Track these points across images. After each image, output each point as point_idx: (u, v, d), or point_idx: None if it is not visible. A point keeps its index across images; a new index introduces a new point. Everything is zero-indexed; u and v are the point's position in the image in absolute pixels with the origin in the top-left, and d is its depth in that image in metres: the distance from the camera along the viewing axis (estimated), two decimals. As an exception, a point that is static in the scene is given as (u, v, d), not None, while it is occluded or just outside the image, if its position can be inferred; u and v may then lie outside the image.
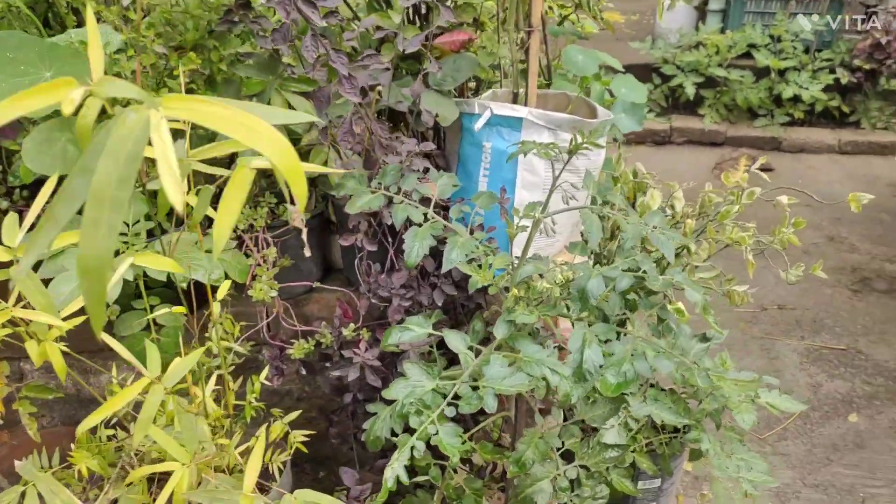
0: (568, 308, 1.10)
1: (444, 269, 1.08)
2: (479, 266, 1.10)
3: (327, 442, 1.53)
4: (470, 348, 1.08)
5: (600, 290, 1.02)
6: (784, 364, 2.53)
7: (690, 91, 4.55)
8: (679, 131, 4.64)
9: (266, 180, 1.46)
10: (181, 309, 0.98)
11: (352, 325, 1.24)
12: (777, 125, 4.52)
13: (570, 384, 0.96)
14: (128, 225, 1.08)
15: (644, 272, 1.04)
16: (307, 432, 1.22)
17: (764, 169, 4.54)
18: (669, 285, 0.99)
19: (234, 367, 1.33)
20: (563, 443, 1.21)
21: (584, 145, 1.12)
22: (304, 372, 1.33)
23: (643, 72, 4.82)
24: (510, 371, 0.98)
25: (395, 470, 0.92)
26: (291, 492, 1.44)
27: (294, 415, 1.23)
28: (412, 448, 0.95)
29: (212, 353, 1.25)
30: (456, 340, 1.05)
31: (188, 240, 1.06)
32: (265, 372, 1.26)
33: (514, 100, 1.45)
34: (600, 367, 0.99)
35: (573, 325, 1.31)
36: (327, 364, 1.37)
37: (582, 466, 1.25)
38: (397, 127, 1.54)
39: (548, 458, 1.19)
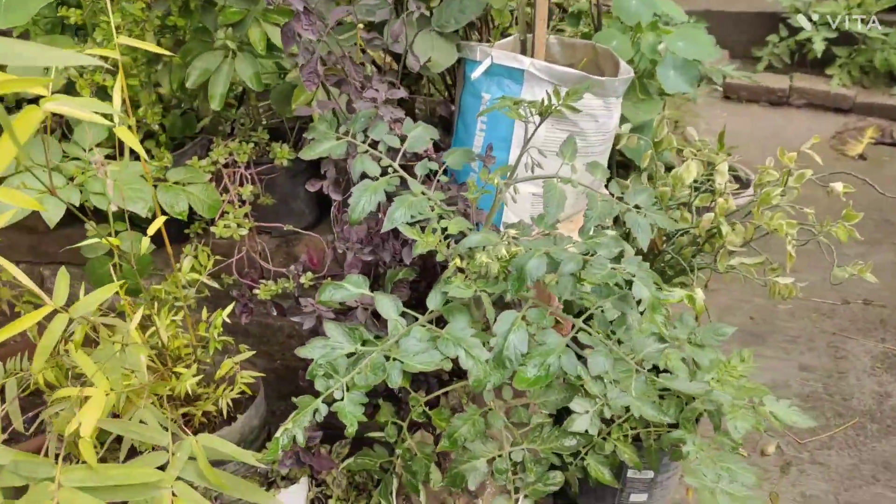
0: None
1: (384, 229, 1.01)
2: (429, 229, 1.03)
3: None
4: (404, 315, 1.02)
5: (540, 271, 0.92)
6: (851, 366, 2.27)
7: (819, 47, 4.03)
8: (799, 92, 4.15)
9: (259, 115, 1.43)
10: (115, 241, 0.99)
11: (309, 274, 1.21)
12: (921, 94, 3.93)
13: (483, 370, 0.89)
14: (83, 150, 1.09)
15: (597, 256, 0.93)
16: (255, 374, 1.22)
17: (893, 143, 4.02)
18: (613, 276, 0.87)
19: (204, 298, 1.35)
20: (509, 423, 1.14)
21: (558, 107, 1.00)
22: (274, 312, 1.33)
23: (768, 22, 4.33)
24: (426, 347, 0.92)
25: (289, 431, 0.90)
26: (263, 425, 1.48)
27: (247, 354, 1.23)
28: (315, 411, 0.92)
29: (179, 285, 1.27)
30: (386, 306, 0.99)
31: (135, 170, 1.06)
32: (229, 308, 1.27)
33: (523, 49, 1.31)
34: (523, 355, 0.90)
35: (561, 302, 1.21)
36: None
37: (530, 451, 1.18)
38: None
39: (489, 437, 1.12)
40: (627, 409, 1.16)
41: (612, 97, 1.26)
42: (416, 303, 1.37)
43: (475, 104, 1.32)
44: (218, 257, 1.34)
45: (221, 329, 1.28)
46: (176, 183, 1.19)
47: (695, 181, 1.58)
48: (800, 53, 4.27)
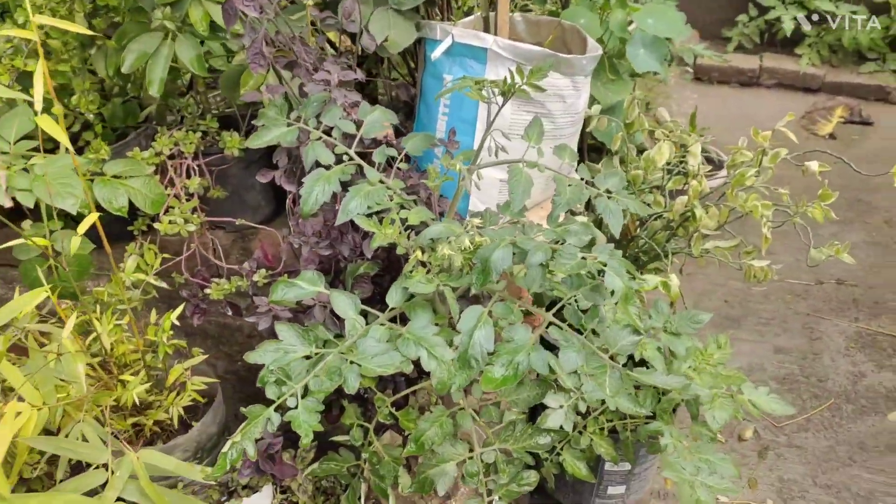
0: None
1: (338, 221, 0.94)
2: (387, 221, 0.96)
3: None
4: (364, 314, 0.95)
5: (506, 263, 0.85)
6: (825, 347, 2.25)
7: (789, 27, 4.01)
8: (770, 72, 4.14)
9: (207, 102, 1.34)
10: (43, 242, 0.90)
11: (263, 271, 1.13)
12: (888, 72, 3.94)
13: (447, 371, 0.82)
14: (9, 143, 1.00)
15: (566, 244, 0.87)
16: (208, 380, 1.14)
17: (862, 122, 4.03)
18: (583, 266, 0.81)
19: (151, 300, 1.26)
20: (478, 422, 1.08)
21: (522, 86, 0.93)
22: (229, 312, 1.25)
23: (737, 1, 4.30)
24: (385, 348, 0.85)
25: (237, 445, 0.83)
26: (223, 431, 1.40)
27: (199, 358, 1.15)
28: (267, 421, 0.85)
29: (123, 286, 1.19)
30: (343, 304, 0.92)
31: (65, 164, 0.97)
32: (179, 310, 1.19)
33: (486, 27, 1.24)
34: (490, 354, 0.84)
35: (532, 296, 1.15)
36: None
37: (503, 451, 1.12)
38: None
39: (458, 438, 1.06)
40: (603, 401, 1.11)
41: (580, 76, 1.20)
42: (380, 298, 1.31)
43: (436, 86, 1.25)
44: (167, 255, 1.26)
45: (172, 332, 1.20)
46: (115, 177, 1.11)
47: (667, 163, 1.53)
48: (769, 33, 4.26)
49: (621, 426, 1.38)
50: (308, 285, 0.96)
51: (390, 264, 1.28)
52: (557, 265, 0.81)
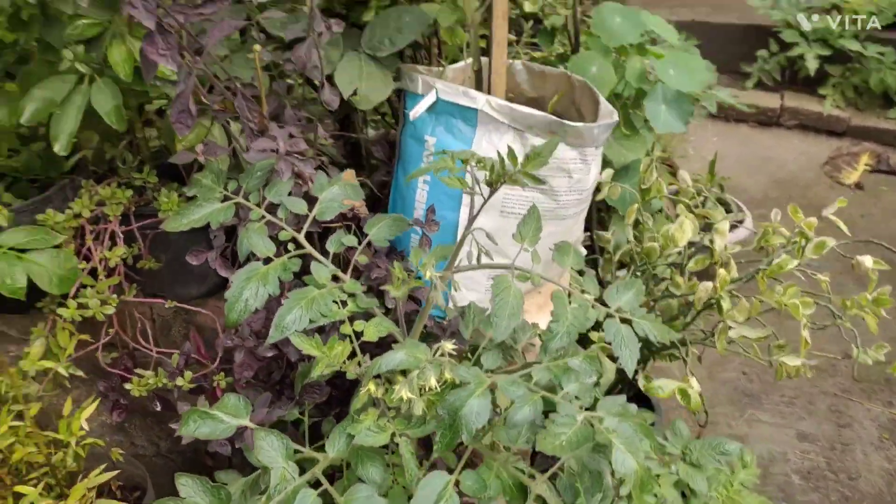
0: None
1: (271, 340, 0.73)
2: (334, 338, 0.74)
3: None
4: (298, 455, 0.73)
5: (482, 419, 0.64)
6: (856, 436, 2.01)
7: (812, 65, 3.80)
8: (791, 112, 3.93)
9: (148, 150, 1.13)
10: None
11: (189, 374, 0.91)
12: (917, 118, 3.72)
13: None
14: None
15: (564, 394, 0.65)
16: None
17: (890, 171, 3.80)
18: (587, 439, 0.59)
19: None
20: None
21: (515, 174, 0.72)
22: (158, 407, 1.03)
23: (757, 35, 4.10)
24: (314, 528, 0.63)
25: None
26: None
27: (109, 475, 0.93)
28: None
29: (23, 378, 0.98)
30: (269, 448, 0.70)
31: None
32: (92, 407, 0.98)
33: (479, 78, 1.03)
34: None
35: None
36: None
37: None
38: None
39: None
40: None
41: (590, 147, 0.99)
42: (340, 400, 1.09)
43: (417, 150, 1.03)
44: (84, 338, 1.05)
45: (82, 432, 0.98)
46: (14, 249, 0.90)
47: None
48: (791, 70, 4.04)
49: None
50: (229, 416, 0.74)
51: (354, 357, 1.06)
52: (549, 435, 0.59)
